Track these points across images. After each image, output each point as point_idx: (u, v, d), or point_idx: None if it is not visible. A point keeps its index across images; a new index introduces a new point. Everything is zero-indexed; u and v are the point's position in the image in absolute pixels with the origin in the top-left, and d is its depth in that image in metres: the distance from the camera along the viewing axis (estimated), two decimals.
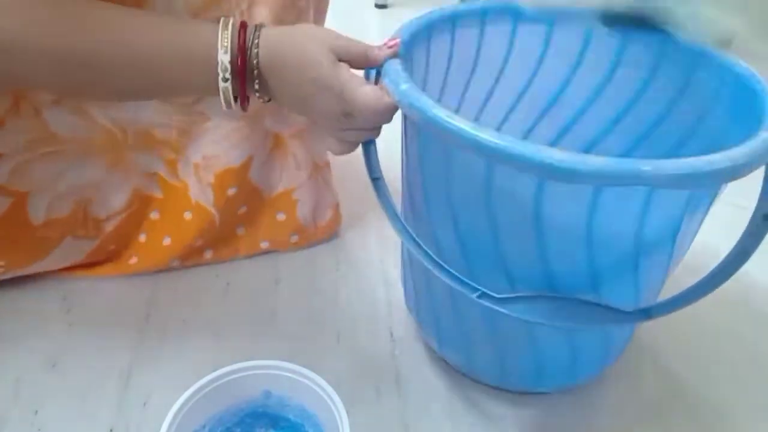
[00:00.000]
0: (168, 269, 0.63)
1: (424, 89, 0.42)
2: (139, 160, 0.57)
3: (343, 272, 0.66)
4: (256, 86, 0.43)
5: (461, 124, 0.34)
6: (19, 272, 0.58)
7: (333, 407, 0.42)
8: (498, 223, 0.39)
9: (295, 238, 0.67)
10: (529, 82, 0.57)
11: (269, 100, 0.45)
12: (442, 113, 0.35)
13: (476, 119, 0.58)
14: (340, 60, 0.43)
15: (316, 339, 0.58)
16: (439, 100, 0.40)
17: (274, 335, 0.58)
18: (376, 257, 0.68)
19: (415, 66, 0.48)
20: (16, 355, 0.54)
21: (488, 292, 0.42)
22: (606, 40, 0.52)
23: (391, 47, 0.43)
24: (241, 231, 0.65)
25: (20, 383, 0.52)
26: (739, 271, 0.39)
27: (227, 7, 0.50)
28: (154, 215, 0.61)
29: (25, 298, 0.60)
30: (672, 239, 0.39)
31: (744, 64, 0.45)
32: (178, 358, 0.55)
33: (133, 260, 0.62)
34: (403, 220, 0.47)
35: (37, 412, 0.50)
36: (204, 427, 0.44)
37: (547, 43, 0.55)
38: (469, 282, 0.43)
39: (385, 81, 0.41)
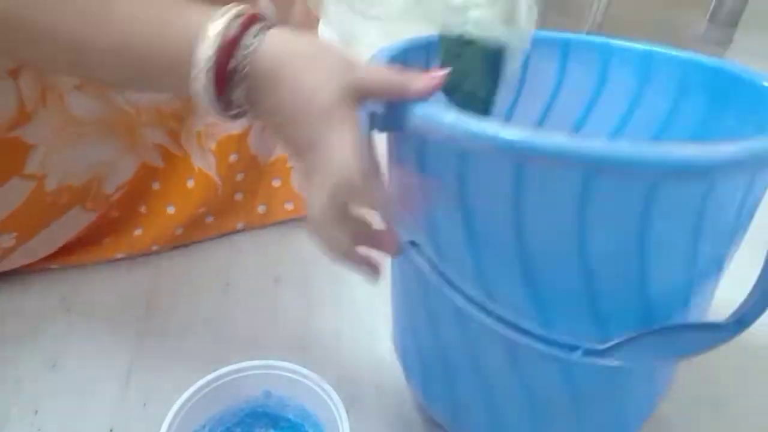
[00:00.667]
0: (171, 262, 0.64)
1: None
2: (147, 134, 0.59)
3: (343, 272, 0.66)
4: (242, 91, 0.35)
5: (555, 139, 0.28)
6: (24, 253, 0.58)
7: (333, 407, 0.42)
8: (592, 255, 0.32)
9: (289, 206, 0.68)
10: (547, 110, 0.55)
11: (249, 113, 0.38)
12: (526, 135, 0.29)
13: None
14: (361, 95, 0.34)
15: (316, 339, 0.58)
16: None
17: (274, 335, 0.58)
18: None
19: None
20: (16, 355, 0.54)
21: (590, 346, 0.34)
22: (624, 71, 0.51)
23: (435, 79, 0.35)
24: (239, 196, 0.67)
25: (20, 383, 0.52)
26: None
27: None
28: (155, 185, 0.63)
29: (25, 298, 0.60)
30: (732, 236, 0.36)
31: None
32: (178, 358, 0.55)
33: (138, 231, 0.63)
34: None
35: (37, 412, 0.50)
36: (204, 427, 0.44)
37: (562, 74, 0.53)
38: (558, 339, 0.34)
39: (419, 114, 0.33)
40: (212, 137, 0.60)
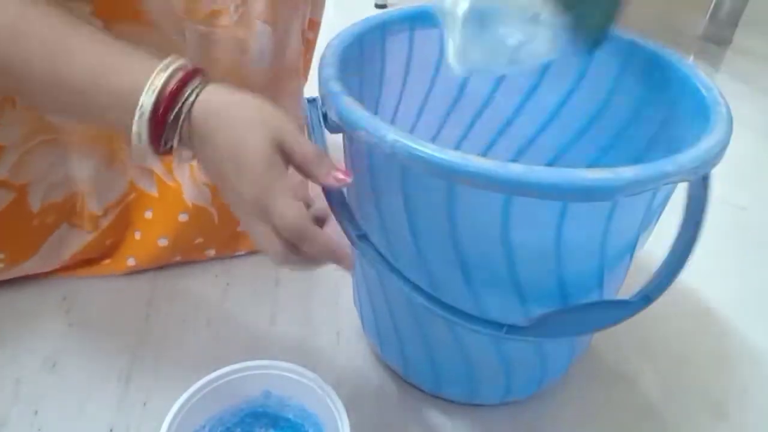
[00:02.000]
0: (170, 265, 0.64)
1: (361, 102, 0.38)
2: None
3: (342, 272, 0.66)
4: (177, 138, 0.37)
5: (475, 162, 0.33)
6: (18, 271, 0.58)
7: (333, 407, 0.42)
8: (515, 249, 0.38)
9: None
10: (491, 96, 0.57)
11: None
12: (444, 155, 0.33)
13: (412, 130, 0.57)
14: (283, 152, 0.37)
15: (316, 339, 0.58)
16: (375, 113, 0.38)
17: (274, 335, 0.58)
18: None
19: (351, 79, 0.44)
20: (16, 355, 0.54)
21: (514, 324, 0.40)
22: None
23: (340, 180, 0.37)
24: (240, 227, 0.65)
25: (20, 383, 0.52)
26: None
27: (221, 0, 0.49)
28: (148, 214, 0.61)
29: (25, 298, 0.60)
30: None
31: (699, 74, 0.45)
32: (178, 358, 0.55)
33: (131, 261, 0.62)
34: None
35: (37, 412, 0.50)
36: (204, 427, 0.44)
37: None
38: (485, 318, 0.40)
39: (360, 133, 0.37)
40: None
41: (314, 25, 0.65)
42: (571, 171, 0.32)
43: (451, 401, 0.53)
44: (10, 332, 0.56)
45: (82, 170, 0.56)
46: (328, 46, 0.45)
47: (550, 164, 0.57)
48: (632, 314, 0.40)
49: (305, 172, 0.38)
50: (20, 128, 0.52)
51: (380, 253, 0.42)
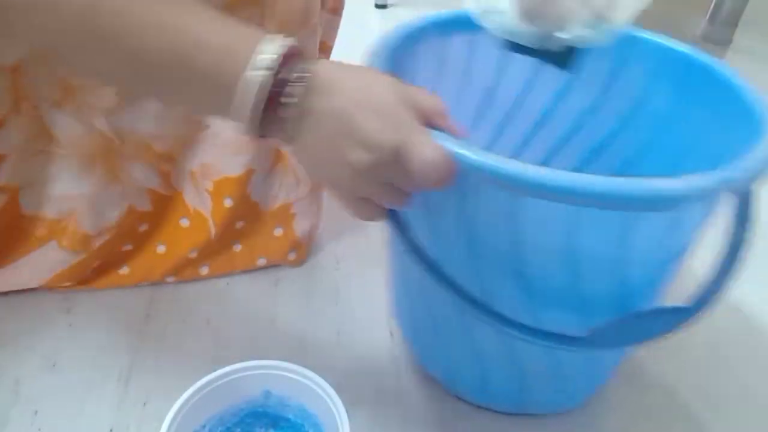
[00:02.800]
0: (164, 283, 0.62)
1: None
2: (135, 173, 0.56)
3: (343, 272, 0.66)
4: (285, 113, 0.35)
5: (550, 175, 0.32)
6: (8, 279, 0.57)
7: (333, 407, 0.42)
8: (580, 259, 0.38)
9: (293, 255, 0.65)
10: (519, 100, 0.57)
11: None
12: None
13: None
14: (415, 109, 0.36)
15: (316, 339, 0.58)
16: None
17: (275, 335, 0.58)
18: (376, 256, 0.68)
19: (404, 73, 0.45)
20: (16, 355, 0.54)
21: (571, 334, 0.39)
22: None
23: (458, 133, 0.37)
24: (237, 247, 0.63)
25: (20, 383, 0.52)
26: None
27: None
28: (143, 227, 0.60)
29: (25, 298, 0.60)
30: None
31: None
32: (178, 358, 0.55)
33: (124, 270, 0.60)
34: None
35: (37, 412, 0.50)
36: (204, 427, 0.44)
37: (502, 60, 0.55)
38: (542, 329, 0.39)
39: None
40: (208, 177, 0.57)
41: (327, 48, 0.63)
42: (641, 181, 0.32)
43: (495, 411, 0.52)
44: (10, 332, 0.56)
45: (80, 187, 0.55)
46: (370, 55, 0.44)
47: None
48: (690, 320, 0.39)
49: (424, 118, 0.36)
50: (22, 136, 0.51)
51: (432, 264, 0.41)
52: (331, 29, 0.61)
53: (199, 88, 0.36)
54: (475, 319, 0.40)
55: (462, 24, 0.50)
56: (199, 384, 0.43)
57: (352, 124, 0.34)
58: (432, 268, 0.40)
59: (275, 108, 0.35)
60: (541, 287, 0.40)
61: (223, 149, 0.56)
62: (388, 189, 0.36)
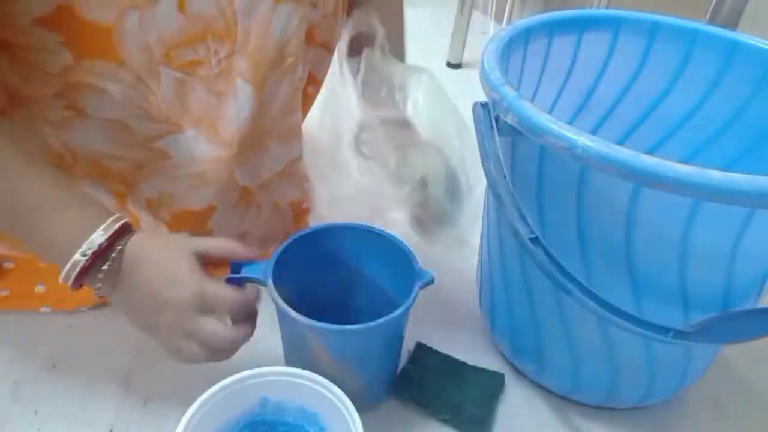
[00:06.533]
0: None
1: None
2: (88, 191, 0.53)
3: None
4: (106, 267, 0.43)
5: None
6: None
7: (335, 400, 0.42)
8: (692, 254, 0.39)
9: None
10: (595, 83, 0.58)
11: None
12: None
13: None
14: (204, 258, 0.45)
15: None
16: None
17: (275, 335, 0.58)
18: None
19: (510, 71, 0.48)
20: (16, 355, 0.55)
21: (680, 329, 0.40)
22: (668, 47, 0.54)
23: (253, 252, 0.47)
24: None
25: (20, 383, 0.52)
26: None
27: (203, 51, 0.47)
28: None
29: None
30: None
31: None
32: None
33: (41, 288, 0.58)
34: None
35: (37, 412, 0.50)
36: None
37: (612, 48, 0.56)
38: (646, 320, 0.40)
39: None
40: (165, 207, 0.55)
41: (316, 82, 0.61)
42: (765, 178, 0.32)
43: (583, 404, 0.54)
44: (10, 332, 0.57)
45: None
46: (485, 51, 0.46)
47: None
48: None
49: (225, 255, 0.47)
50: None
51: (549, 255, 0.42)
52: (321, 63, 0.60)
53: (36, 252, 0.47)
54: (576, 308, 0.41)
55: (568, 24, 0.52)
56: (198, 401, 0.42)
57: (151, 290, 0.43)
58: (538, 253, 0.42)
59: (94, 276, 0.43)
60: (648, 279, 0.41)
61: (185, 180, 0.54)
62: (198, 344, 0.44)
